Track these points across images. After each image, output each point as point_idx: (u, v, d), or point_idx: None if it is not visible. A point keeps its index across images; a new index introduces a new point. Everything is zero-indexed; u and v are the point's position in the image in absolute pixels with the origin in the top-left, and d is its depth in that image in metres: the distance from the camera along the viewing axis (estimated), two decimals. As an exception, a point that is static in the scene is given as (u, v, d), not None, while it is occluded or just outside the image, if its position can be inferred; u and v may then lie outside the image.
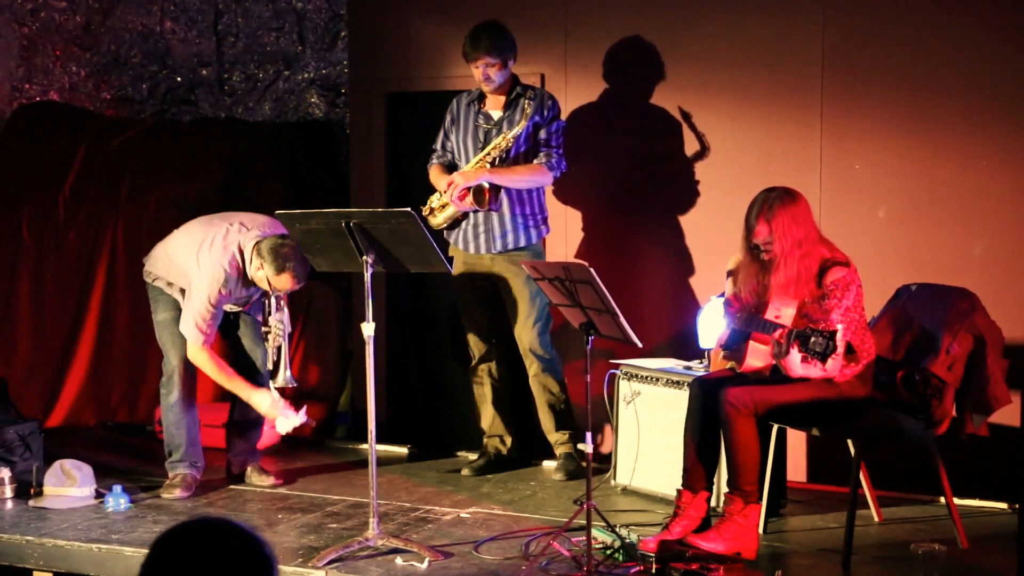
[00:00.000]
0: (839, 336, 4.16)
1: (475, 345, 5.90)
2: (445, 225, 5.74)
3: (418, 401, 6.74)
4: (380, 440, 5.63)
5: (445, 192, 5.62)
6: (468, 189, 5.56)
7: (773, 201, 4.44)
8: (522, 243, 5.69)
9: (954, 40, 5.49)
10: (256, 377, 5.57)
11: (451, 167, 5.77)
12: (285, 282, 5.21)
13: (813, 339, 4.17)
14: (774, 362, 4.50)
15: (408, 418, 6.71)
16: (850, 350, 4.41)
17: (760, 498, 4.54)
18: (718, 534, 4.40)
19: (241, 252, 5.24)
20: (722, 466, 4.89)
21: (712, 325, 4.83)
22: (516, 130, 5.59)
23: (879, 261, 5.51)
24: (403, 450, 6.35)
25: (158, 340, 5.49)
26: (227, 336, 5.60)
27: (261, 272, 5.21)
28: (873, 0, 5.67)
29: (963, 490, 5.06)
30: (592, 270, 4.25)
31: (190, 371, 5.45)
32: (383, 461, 6.04)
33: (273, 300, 5.34)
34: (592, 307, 4.38)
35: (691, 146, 5.97)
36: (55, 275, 7.06)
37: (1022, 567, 3.96)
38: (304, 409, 5.33)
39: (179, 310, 5.38)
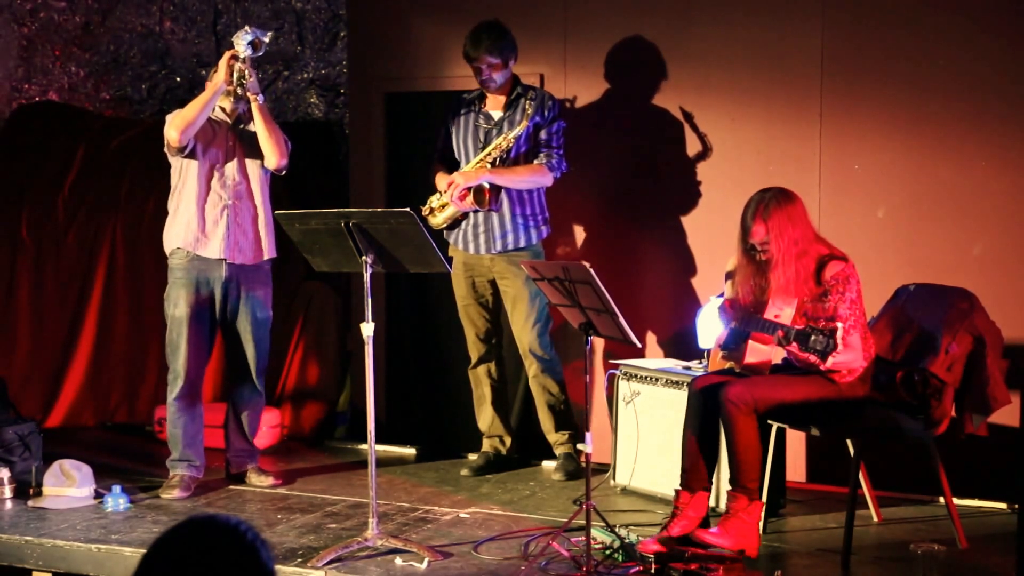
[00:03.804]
0: (839, 334, 4.16)
1: (474, 345, 5.90)
2: (445, 225, 5.74)
3: (418, 401, 6.74)
4: (380, 440, 5.63)
5: (445, 192, 5.62)
6: (468, 189, 5.56)
7: (769, 201, 4.44)
8: (522, 243, 5.69)
9: (954, 40, 5.49)
10: (248, 377, 5.56)
11: (451, 167, 5.77)
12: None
13: (813, 337, 4.17)
14: (772, 362, 4.51)
15: (407, 418, 6.71)
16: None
17: (761, 496, 4.54)
18: (724, 530, 4.40)
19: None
20: (722, 465, 4.90)
21: (712, 325, 4.83)
22: (517, 130, 5.59)
23: (878, 261, 5.51)
24: (411, 451, 6.33)
25: (167, 337, 5.48)
26: (224, 335, 5.59)
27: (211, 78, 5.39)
28: (873, 0, 5.67)
29: (962, 490, 5.06)
30: (591, 270, 4.25)
31: (194, 372, 5.45)
32: (391, 461, 6.06)
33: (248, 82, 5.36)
34: (591, 307, 4.38)
35: (691, 146, 5.98)
36: (54, 275, 7.05)
37: (1021, 567, 3.96)
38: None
39: (191, 305, 5.39)
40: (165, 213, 5.58)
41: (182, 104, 5.58)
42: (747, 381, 4.45)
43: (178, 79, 7.78)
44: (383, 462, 5.95)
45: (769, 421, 4.65)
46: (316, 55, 7.52)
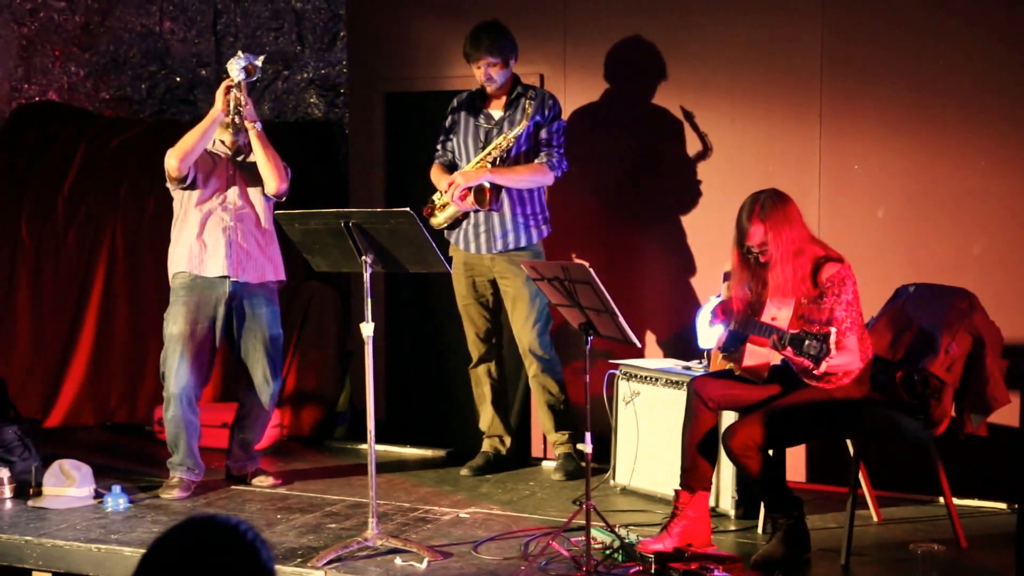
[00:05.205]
0: (832, 339, 4.15)
1: (474, 345, 5.90)
2: (445, 225, 5.74)
3: (417, 401, 6.74)
4: (379, 440, 5.62)
5: (446, 192, 5.62)
6: (469, 189, 5.56)
7: (764, 201, 4.44)
8: (522, 243, 5.68)
9: (954, 40, 5.49)
10: (257, 395, 5.55)
11: (452, 167, 5.77)
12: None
13: (807, 342, 4.17)
14: (771, 364, 4.50)
15: (407, 418, 6.71)
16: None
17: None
18: (780, 541, 4.45)
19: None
20: (721, 464, 4.90)
21: (711, 326, 4.82)
22: (517, 130, 5.59)
23: (878, 261, 5.51)
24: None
25: (162, 355, 5.47)
26: (234, 354, 5.58)
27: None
28: (873, 0, 5.67)
29: (962, 490, 5.06)
30: (591, 270, 4.25)
31: (189, 393, 5.43)
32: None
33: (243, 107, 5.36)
34: (591, 307, 4.38)
35: (691, 146, 5.98)
36: (54, 275, 7.06)
37: (1021, 567, 3.96)
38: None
39: (189, 324, 5.39)
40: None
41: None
42: (744, 426, 4.42)
43: (178, 79, 7.78)
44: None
45: (780, 448, 4.69)
46: (316, 55, 7.52)
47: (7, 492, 5.34)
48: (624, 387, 5.44)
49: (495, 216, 5.65)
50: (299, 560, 4.48)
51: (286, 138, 6.59)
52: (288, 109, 7.56)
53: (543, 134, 5.64)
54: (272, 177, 5.40)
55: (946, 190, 5.54)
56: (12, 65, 7.87)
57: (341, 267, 4.83)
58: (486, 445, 5.97)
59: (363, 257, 4.59)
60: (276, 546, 4.61)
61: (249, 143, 5.43)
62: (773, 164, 5.78)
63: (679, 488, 4.60)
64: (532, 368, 5.77)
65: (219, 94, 5.36)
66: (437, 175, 5.76)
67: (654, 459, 5.28)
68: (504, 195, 5.62)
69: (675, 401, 5.10)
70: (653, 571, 4.30)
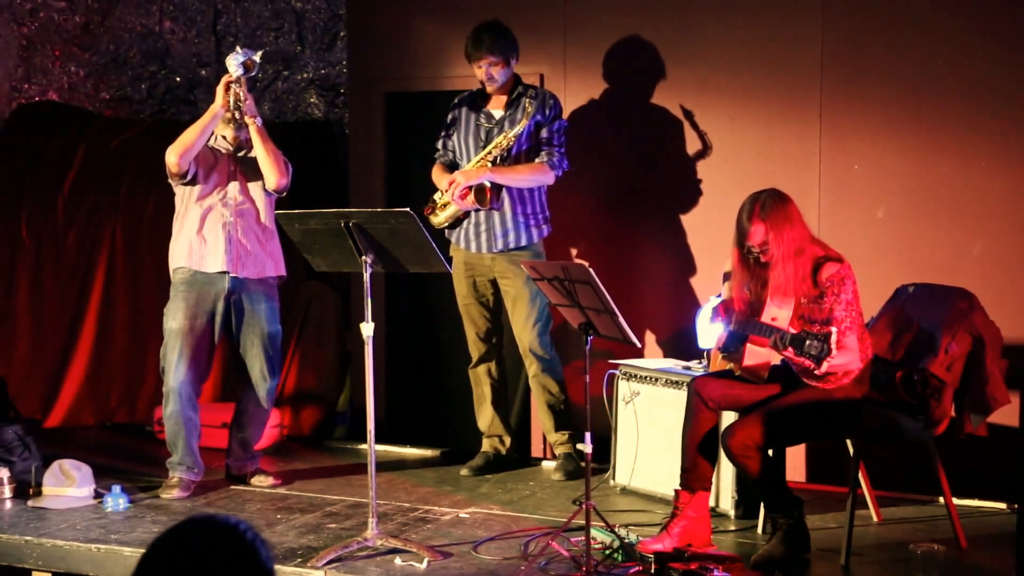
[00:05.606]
0: (833, 339, 4.15)
1: (475, 345, 5.90)
2: (446, 224, 5.74)
3: (417, 401, 6.74)
4: (379, 440, 5.63)
5: (446, 191, 5.62)
6: (469, 188, 5.56)
7: (765, 201, 4.44)
8: (523, 242, 5.68)
9: (954, 40, 5.49)
10: (256, 393, 5.56)
11: (452, 166, 5.78)
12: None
13: (808, 342, 4.17)
14: (771, 364, 4.50)
15: (407, 418, 6.71)
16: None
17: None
18: (780, 541, 4.44)
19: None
20: (721, 464, 4.90)
21: (711, 325, 4.83)
22: (517, 129, 5.59)
23: (878, 261, 5.51)
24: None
25: (161, 351, 5.48)
26: (229, 344, 5.58)
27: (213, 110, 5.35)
28: (873, 0, 5.67)
29: (962, 490, 5.06)
30: (591, 270, 4.25)
31: (188, 388, 5.44)
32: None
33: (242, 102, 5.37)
34: (591, 307, 4.38)
35: (691, 146, 5.98)
36: (54, 275, 7.06)
37: (1021, 567, 3.96)
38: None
39: (189, 319, 5.40)
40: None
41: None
42: (744, 426, 4.42)
43: (178, 79, 7.78)
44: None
45: (781, 447, 4.69)
46: (316, 55, 7.52)
47: (7, 492, 5.34)
48: (624, 387, 5.44)
49: (495, 215, 5.65)
50: (299, 560, 4.48)
51: (286, 138, 6.59)
52: (288, 109, 7.56)
53: (544, 133, 5.64)
54: (272, 172, 5.40)
55: (946, 190, 5.54)
56: (12, 65, 7.87)
57: (341, 267, 4.83)
58: (486, 445, 5.97)
59: (363, 257, 4.59)
60: (276, 546, 4.62)
61: (250, 138, 5.44)
62: (773, 164, 5.78)
63: (679, 488, 4.60)
64: (532, 368, 5.77)
65: (219, 90, 5.37)
66: (438, 174, 5.76)
67: (654, 459, 5.28)
68: (504, 194, 5.62)
69: (675, 401, 5.10)
70: (653, 571, 4.30)
